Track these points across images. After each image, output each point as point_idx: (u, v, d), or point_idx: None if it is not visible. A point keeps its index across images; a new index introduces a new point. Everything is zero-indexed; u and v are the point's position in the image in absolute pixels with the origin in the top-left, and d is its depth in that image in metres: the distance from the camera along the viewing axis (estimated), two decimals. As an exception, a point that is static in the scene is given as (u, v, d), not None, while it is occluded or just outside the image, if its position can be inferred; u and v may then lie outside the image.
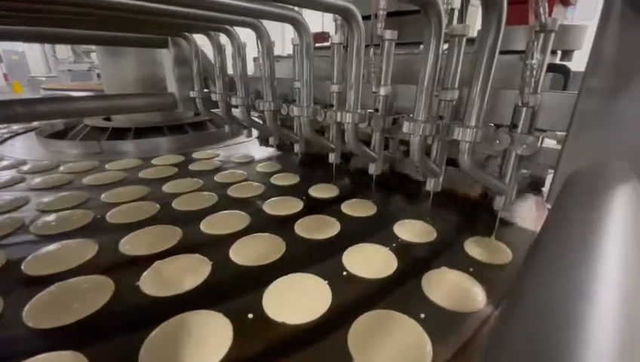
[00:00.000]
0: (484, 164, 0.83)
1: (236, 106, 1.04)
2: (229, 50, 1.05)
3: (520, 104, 0.59)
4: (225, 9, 0.60)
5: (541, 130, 0.65)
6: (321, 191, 0.91)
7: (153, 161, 1.16)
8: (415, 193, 0.91)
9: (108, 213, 0.77)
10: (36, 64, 6.54)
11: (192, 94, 1.19)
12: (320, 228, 0.71)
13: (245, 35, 1.01)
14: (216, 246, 0.64)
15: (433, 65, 0.59)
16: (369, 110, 0.82)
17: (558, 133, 0.72)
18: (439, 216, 0.78)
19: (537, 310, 0.20)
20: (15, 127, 1.76)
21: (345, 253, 0.62)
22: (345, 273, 0.56)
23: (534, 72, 0.56)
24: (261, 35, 0.87)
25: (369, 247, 0.64)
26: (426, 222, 0.74)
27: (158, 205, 0.82)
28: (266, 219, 0.77)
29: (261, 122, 1.14)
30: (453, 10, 0.89)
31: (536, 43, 0.55)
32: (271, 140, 1.13)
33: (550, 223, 0.31)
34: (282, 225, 0.73)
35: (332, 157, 0.96)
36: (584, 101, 0.47)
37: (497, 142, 0.61)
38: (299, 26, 0.76)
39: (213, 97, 1.10)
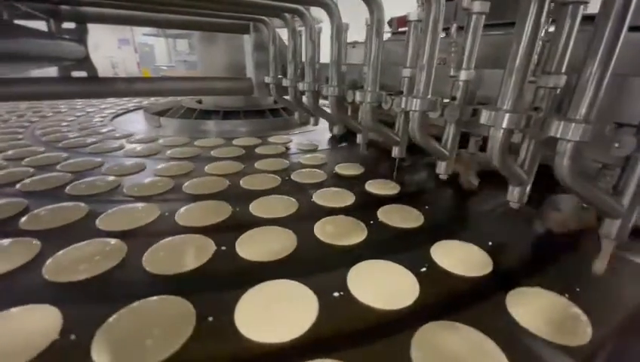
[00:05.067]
0: (597, 176, 0.64)
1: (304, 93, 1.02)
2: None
3: (662, 94, 0.42)
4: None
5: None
6: (377, 187, 0.83)
7: (234, 142, 1.26)
8: (492, 204, 0.75)
9: (186, 184, 0.84)
10: (161, 55, 7.72)
11: (266, 80, 1.21)
12: (345, 232, 0.62)
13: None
14: (234, 231, 0.61)
15: (531, 38, 0.45)
16: (445, 99, 0.70)
17: None
18: (511, 242, 0.61)
19: None
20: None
21: (355, 267, 0.51)
22: (342, 292, 0.47)
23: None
24: (331, 14, 0.82)
25: (387, 266, 0.52)
26: (483, 248, 0.57)
27: (228, 181, 0.86)
28: (312, 209, 0.73)
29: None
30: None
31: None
32: (335, 129, 1.08)
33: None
34: (313, 220, 0.66)
35: (395, 151, 0.86)
36: None
37: (617, 145, 0.44)
38: (371, 1, 0.68)
39: (284, 83, 1.10)
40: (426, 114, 0.66)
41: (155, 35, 6.60)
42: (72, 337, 0.39)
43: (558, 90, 0.53)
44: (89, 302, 0.45)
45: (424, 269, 0.52)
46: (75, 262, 0.52)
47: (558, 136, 0.44)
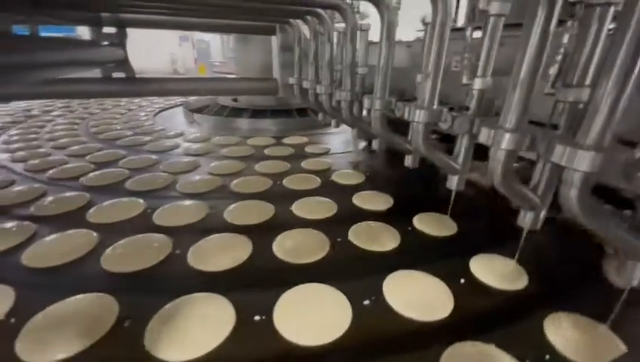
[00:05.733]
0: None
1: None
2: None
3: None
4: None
5: None
6: (366, 200, 0.79)
7: (248, 141, 1.28)
8: (504, 228, 0.67)
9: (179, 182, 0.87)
10: (216, 51, 8.14)
11: (290, 80, 1.21)
12: (302, 249, 0.58)
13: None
14: (199, 235, 0.62)
15: (539, 47, 0.39)
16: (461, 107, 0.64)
17: None
18: (489, 277, 0.53)
19: None
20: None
21: (291, 291, 0.48)
22: (264, 316, 0.44)
23: None
24: (346, 17, 0.79)
25: (328, 293, 0.48)
26: (449, 285, 0.50)
27: (222, 182, 0.88)
28: (286, 219, 0.70)
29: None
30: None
31: None
32: (353, 133, 1.05)
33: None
34: (279, 232, 0.64)
35: (408, 160, 0.81)
36: None
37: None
38: (379, 3, 0.65)
39: (304, 84, 1.09)
40: (430, 124, 0.61)
41: (212, 32, 6.98)
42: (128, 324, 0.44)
43: (580, 105, 0.45)
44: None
45: (367, 302, 0.47)
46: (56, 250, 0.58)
47: (563, 164, 0.38)
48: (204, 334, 0.42)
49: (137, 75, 1.13)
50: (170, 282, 0.52)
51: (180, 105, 2.18)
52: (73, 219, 0.68)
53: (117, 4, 0.93)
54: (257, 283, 0.51)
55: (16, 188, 0.82)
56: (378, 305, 0.47)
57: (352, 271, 0.54)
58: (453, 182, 0.70)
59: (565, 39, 0.48)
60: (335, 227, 0.66)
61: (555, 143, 0.38)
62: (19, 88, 0.89)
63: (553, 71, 0.49)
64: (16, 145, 1.18)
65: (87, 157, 1.07)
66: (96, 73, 1.14)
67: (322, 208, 0.75)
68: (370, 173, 0.95)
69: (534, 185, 0.52)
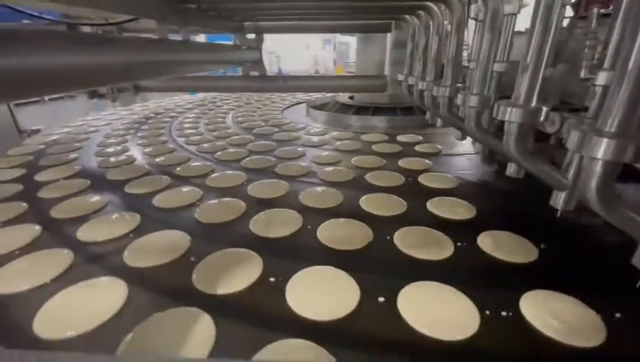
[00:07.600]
0: None
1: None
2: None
3: None
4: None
5: None
6: (379, 205, 0.74)
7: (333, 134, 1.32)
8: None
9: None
10: (354, 52, 8.53)
11: (399, 77, 1.20)
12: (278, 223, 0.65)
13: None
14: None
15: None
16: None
17: None
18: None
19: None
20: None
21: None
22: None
23: None
24: (452, 7, 0.74)
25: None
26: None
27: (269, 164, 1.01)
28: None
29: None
30: None
31: None
32: (457, 134, 0.96)
33: None
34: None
35: (510, 169, 0.70)
36: None
37: None
38: (483, -12, 0.58)
39: (410, 80, 1.06)
40: (527, 126, 0.52)
41: (336, 33, 7.29)
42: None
43: None
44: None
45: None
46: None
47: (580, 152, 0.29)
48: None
49: (269, 74, 1.34)
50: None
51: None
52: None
53: (256, 15, 1.12)
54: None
55: (193, 163, 1.05)
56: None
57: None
58: (558, 200, 0.57)
59: None
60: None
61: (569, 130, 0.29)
62: (176, 82, 1.18)
63: None
64: (187, 131, 1.46)
65: (247, 146, 1.22)
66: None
67: (330, 199, 0.78)
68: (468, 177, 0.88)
69: (662, 213, 0.39)
